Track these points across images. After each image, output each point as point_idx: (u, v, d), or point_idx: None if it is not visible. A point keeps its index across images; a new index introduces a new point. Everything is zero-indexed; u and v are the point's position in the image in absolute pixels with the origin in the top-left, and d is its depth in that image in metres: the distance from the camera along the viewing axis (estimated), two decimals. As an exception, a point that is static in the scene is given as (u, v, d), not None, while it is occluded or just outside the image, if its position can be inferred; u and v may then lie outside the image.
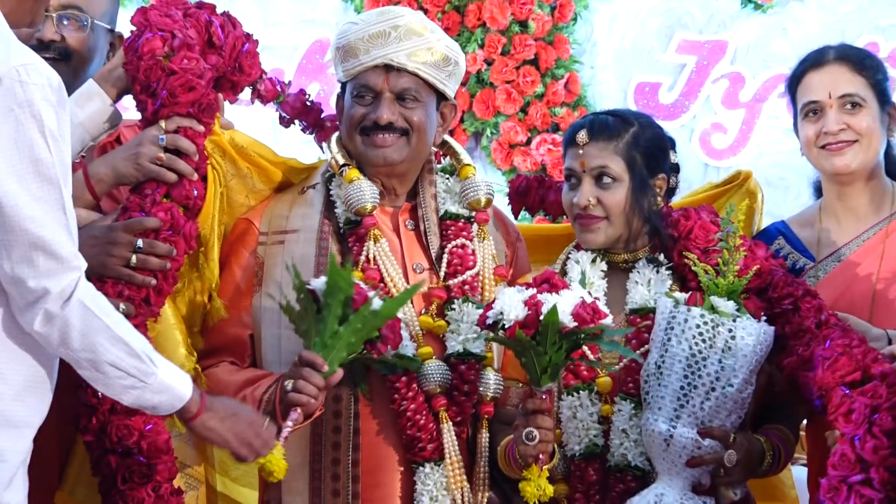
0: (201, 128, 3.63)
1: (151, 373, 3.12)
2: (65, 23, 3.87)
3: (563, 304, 3.47)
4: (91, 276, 3.39)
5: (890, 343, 3.76)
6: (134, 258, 3.51)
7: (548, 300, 3.47)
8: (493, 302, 3.52)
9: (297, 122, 4.00)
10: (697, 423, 3.60)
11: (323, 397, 3.56)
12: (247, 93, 3.88)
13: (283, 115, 3.96)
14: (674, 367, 3.61)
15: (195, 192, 3.61)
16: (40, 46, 3.78)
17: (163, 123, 3.58)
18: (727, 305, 3.62)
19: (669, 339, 3.64)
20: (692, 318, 3.62)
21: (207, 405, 3.26)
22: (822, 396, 3.55)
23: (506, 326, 3.47)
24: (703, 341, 3.61)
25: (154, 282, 3.52)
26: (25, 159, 2.99)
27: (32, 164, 3.00)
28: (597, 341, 3.55)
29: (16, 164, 2.98)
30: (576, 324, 3.47)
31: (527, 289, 3.52)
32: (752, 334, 3.61)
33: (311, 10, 7.20)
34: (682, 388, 3.61)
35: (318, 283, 3.52)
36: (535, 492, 3.57)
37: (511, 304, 3.48)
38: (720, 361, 3.60)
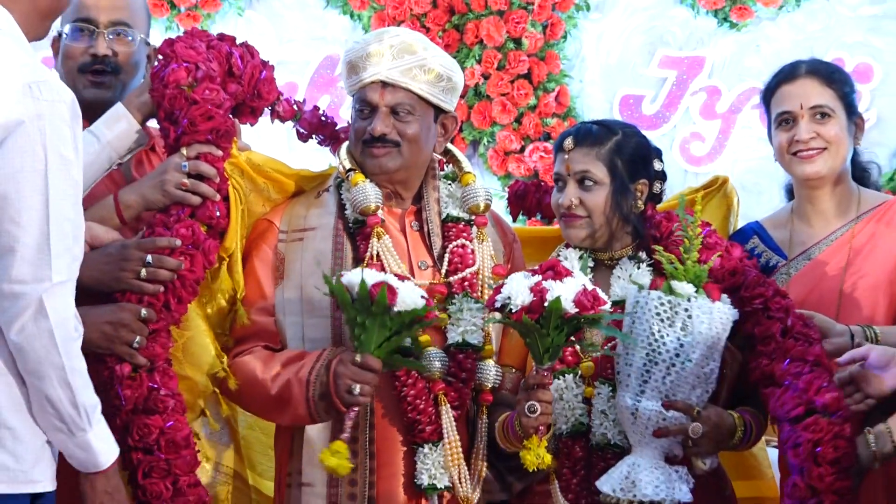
0: (220, 153, 3.64)
1: (82, 429, 3.08)
2: (115, 37, 3.87)
3: (566, 291, 3.49)
4: (105, 289, 3.45)
5: (852, 337, 3.78)
6: (144, 272, 3.50)
7: (552, 287, 3.47)
8: (501, 286, 3.52)
9: (314, 136, 4.00)
10: (661, 397, 3.60)
11: None
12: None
13: (301, 131, 3.96)
14: (637, 346, 3.62)
15: (217, 213, 3.63)
16: (94, 61, 3.83)
17: (184, 150, 3.59)
18: (684, 288, 3.60)
19: (634, 321, 3.65)
20: (651, 300, 3.62)
21: (109, 476, 3.21)
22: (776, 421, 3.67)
23: (513, 310, 3.48)
24: (662, 321, 3.60)
25: (162, 289, 3.51)
26: (28, 169, 3.00)
27: (35, 175, 3.00)
28: (595, 326, 3.56)
29: (17, 172, 2.99)
30: (577, 310, 3.48)
31: (532, 275, 3.52)
32: (707, 313, 3.60)
33: (322, 28, 7.20)
34: (644, 364, 3.61)
35: (352, 276, 3.55)
36: (534, 460, 3.57)
37: (518, 290, 3.48)
38: (678, 339, 3.59)
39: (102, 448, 3.14)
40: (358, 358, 3.57)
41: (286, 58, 7.08)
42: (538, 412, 3.56)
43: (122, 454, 3.42)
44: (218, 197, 3.63)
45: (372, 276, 3.53)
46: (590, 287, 3.52)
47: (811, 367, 3.60)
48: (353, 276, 3.55)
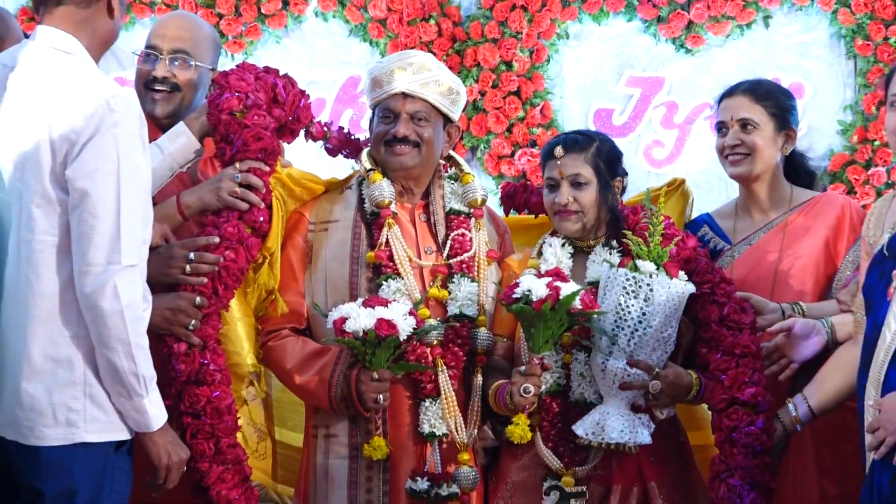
0: (267, 168, 3.66)
1: (140, 395, 3.10)
2: (175, 63, 3.87)
3: (568, 289, 3.53)
4: (158, 283, 3.44)
5: (783, 313, 3.79)
6: (188, 267, 3.52)
7: (564, 286, 3.51)
8: (516, 285, 3.55)
9: (342, 153, 4.00)
10: (626, 356, 3.61)
11: None
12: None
13: (330, 147, 3.95)
14: (603, 324, 3.63)
15: (261, 218, 3.64)
16: (155, 81, 3.83)
17: (238, 165, 3.61)
18: (647, 266, 3.62)
19: (605, 294, 3.66)
20: (619, 275, 3.64)
21: (166, 430, 3.22)
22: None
23: (532, 301, 3.49)
24: (628, 293, 3.61)
25: (206, 280, 3.53)
26: (103, 169, 3.03)
27: (109, 174, 3.03)
28: (588, 323, 3.59)
29: (94, 172, 3.02)
30: (580, 307, 3.53)
31: (539, 277, 3.56)
32: (666, 287, 3.60)
33: (346, 54, 7.17)
34: (612, 329, 3.62)
35: (356, 324, 3.56)
36: (521, 434, 3.63)
37: (535, 286, 3.51)
38: (641, 309, 3.60)
39: (154, 413, 3.15)
40: (375, 375, 3.62)
41: (316, 78, 7.05)
42: (532, 393, 3.58)
43: (175, 418, 3.46)
44: (263, 205, 3.64)
45: (370, 318, 3.56)
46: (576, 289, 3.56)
47: (737, 362, 3.64)
48: (356, 323, 3.56)
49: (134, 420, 3.13)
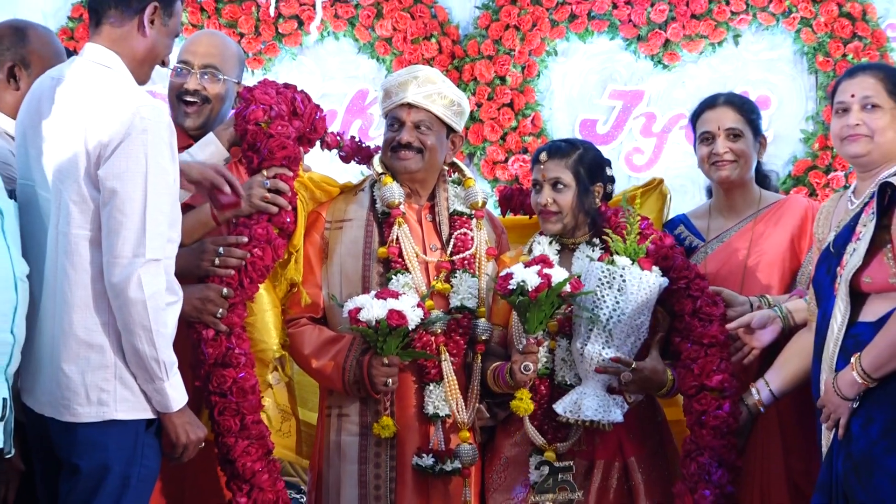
0: (290, 173, 3.65)
1: (161, 378, 3.09)
2: (205, 77, 3.86)
3: (561, 275, 3.56)
4: (191, 275, 3.46)
5: (752, 307, 3.78)
6: (217, 260, 3.54)
7: (554, 273, 3.54)
8: (509, 276, 3.56)
9: (354, 160, 4.00)
10: (602, 342, 3.62)
11: None
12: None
13: (343, 155, 3.96)
14: (585, 304, 3.63)
15: (288, 219, 3.64)
16: (185, 93, 3.83)
17: (265, 172, 3.61)
18: (622, 260, 3.63)
19: (584, 286, 3.66)
20: (596, 268, 3.65)
21: (184, 411, 3.20)
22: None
23: (528, 290, 3.51)
24: (603, 284, 3.62)
25: (233, 272, 3.53)
26: (132, 171, 3.04)
27: (137, 175, 3.04)
28: (574, 302, 3.61)
29: (123, 173, 3.04)
30: (569, 289, 3.55)
31: (527, 267, 3.57)
32: (638, 279, 3.61)
33: (355, 69, 7.16)
34: (590, 318, 3.63)
35: (369, 314, 3.58)
36: (525, 407, 3.64)
37: (528, 276, 3.53)
38: (615, 298, 3.61)
39: (174, 395, 3.14)
40: (385, 361, 3.62)
41: (328, 91, 7.05)
42: (531, 370, 3.61)
43: (205, 397, 3.47)
44: (290, 207, 3.65)
45: (382, 309, 3.57)
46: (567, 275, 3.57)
47: (706, 351, 3.64)
48: (369, 313, 3.57)
49: (156, 401, 3.13)
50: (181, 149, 3.58)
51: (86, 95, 3.12)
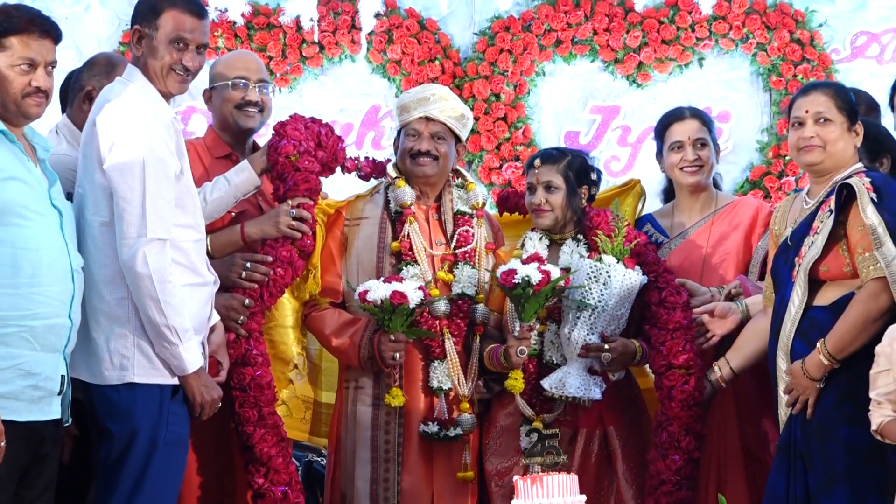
0: (311, 202, 3.66)
1: (174, 343, 3.09)
2: (265, 90, 3.83)
3: (556, 273, 3.57)
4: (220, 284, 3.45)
5: (711, 296, 3.78)
6: (244, 273, 3.55)
7: (552, 269, 3.56)
8: (512, 272, 3.56)
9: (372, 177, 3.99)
10: (587, 329, 3.63)
11: None
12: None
13: (361, 174, 3.94)
14: (574, 295, 3.65)
15: (308, 242, 3.66)
16: (247, 103, 3.78)
17: (290, 201, 3.61)
18: (608, 259, 3.64)
19: (574, 279, 3.67)
20: (585, 265, 3.66)
21: (200, 374, 3.19)
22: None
23: (532, 284, 3.52)
24: (590, 279, 3.64)
25: (256, 286, 3.55)
26: (130, 163, 3.08)
27: (134, 167, 3.08)
28: (566, 296, 3.63)
29: (123, 166, 3.08)
30: (563, 284, 3.57)
31: (525, 264, 3.57)
32: (621, 276, 3.62)
33: (369, 87, 7.13)
34: (577, 307, 3.64)
35: (375, 295, 3.59)
36: (519, 386, 3.66)
37: (530, 272, 3.54)
38: (601, 291, 3.62)
39: (189, 359, 3.13)
40: (392, 337, 3.63)
41: (345, 106, 7.03)
42: (525, 354, 3.62)
43: (226, 392, 3.45)
44: (310, 232, 3.66)
45: (386, 290, 3.58)
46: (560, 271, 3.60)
47: (672, 335, 3.63)
48: (375, 294, 3.58)
49: (174, 365, 3.13)
50: (229, 149, 3.77)
51: (104, 103, 3.17)
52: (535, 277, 3.53)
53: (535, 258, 3.63)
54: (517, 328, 3.66)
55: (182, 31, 3.24)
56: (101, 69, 3.70)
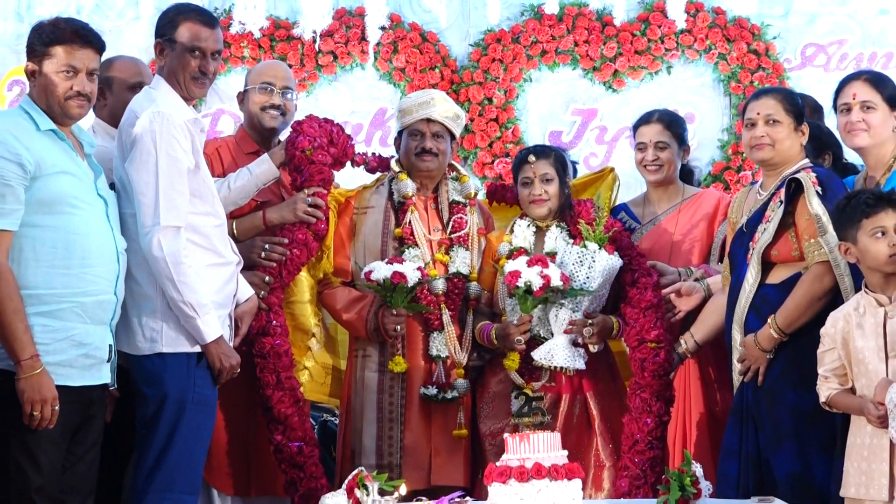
0: (325, 191, 3.67)
1: (192, 316, 3.08)
2: (288, 96, 3.80)
3: (556, 273, 3.55)
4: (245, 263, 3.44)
5: (680, 276, 3.77)
6: (263, 254, 3.56)
7: (552, 273, 3.54)
8: (516, 275, 3.55)
9: (378, 171, 3.99)
10: (573, 307, 3.62)
11: None
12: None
13: (368, 167, 3.94)
14: (575, 286, 3.62)
15: (323, 227, 3.66)
16: (272, 107, 3.77)
17: (306, 190, 3.62)
18: (592, 245, 3.63)
19: (562, 264, 3.66)
20: (572, 251, 3.65)
21: (219, 343, 3.16)
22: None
23: (534, 288, 3.52)
24: (575, 263, 3.63)
25: (274, 265, 3.55)
26: (144, 160, 3.07)
27: (148, 164, 3.07)
28: (563, 295, 3.61)
29: (139, 163, 3.08)
30: (560, 283, 3.55)
31: (530, 266, 3.56)
32: (604, 260, 3.62)
33: (377, 91, 7.12)
34: (577, 292, 3.62)
35: (378, 274, 3.60)
36: (514, 365, 3.66)
37: (532, 276, 3.53)
38: (586, 275, 3.61)
39: (207, 330, 3.12)
40: (394, 311, 3.64)
41: (356, 109, 7.02)
42: (522, 342, 3.62)
43: (249, 359, 3.45)
44: (324, 217, 3.66)
45: (388, 270, 3.58)
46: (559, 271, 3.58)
47: (644, 313, 3.62)
48: (378, 274, 3.59)
49: (193, 335, 3.12)
50: (256, 146, 3.73)
51: (131, 114, 3.16)
52: (537, 283, 3.53)
53: (538, 260, 3.60)
54: (516, 319, 3.65)
55: (197, 41, 3.23)
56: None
